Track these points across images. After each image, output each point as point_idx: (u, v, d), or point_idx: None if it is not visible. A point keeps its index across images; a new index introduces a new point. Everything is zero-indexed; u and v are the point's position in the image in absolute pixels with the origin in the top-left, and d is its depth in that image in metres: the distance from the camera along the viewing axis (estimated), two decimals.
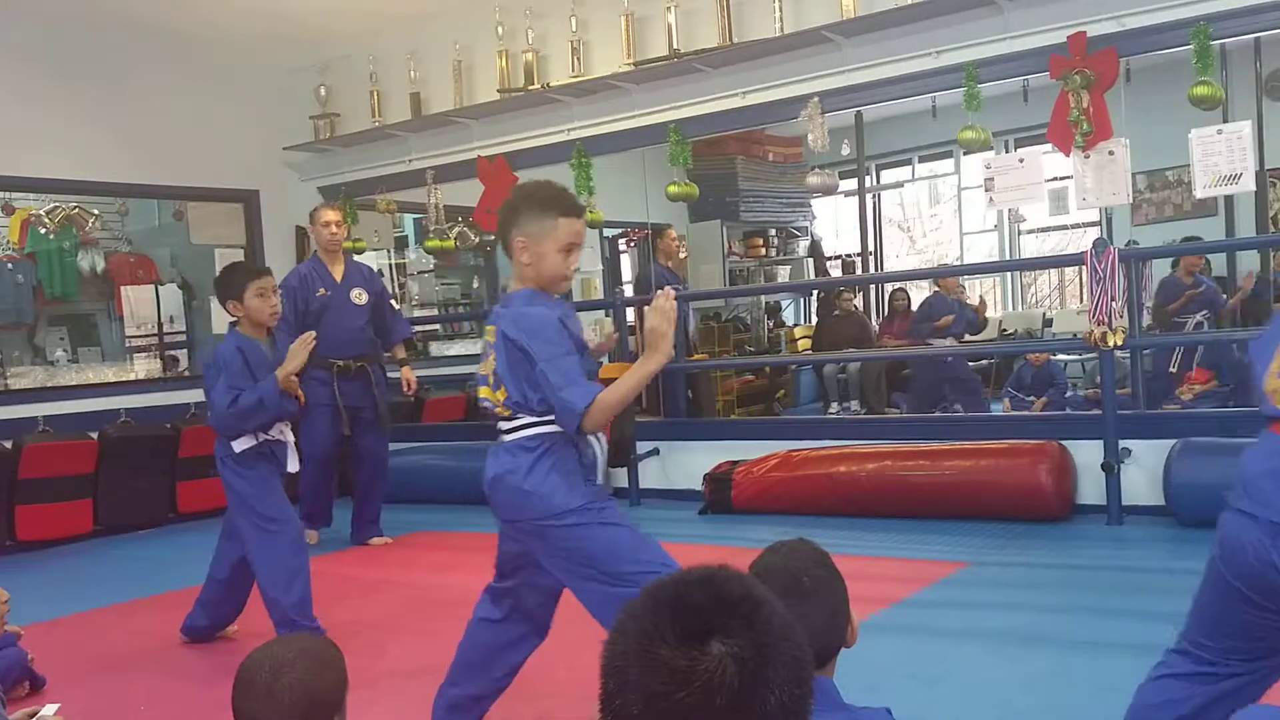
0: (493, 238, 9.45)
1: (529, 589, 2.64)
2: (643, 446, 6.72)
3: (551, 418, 2.45)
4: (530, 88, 6.98)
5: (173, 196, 7.73)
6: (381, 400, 6.13)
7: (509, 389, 2.48)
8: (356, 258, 6.95)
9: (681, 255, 11.31)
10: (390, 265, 9.54)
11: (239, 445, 3.95)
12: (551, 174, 7.17)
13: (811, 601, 1.64)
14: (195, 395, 7.39)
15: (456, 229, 7.99)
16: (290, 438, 4.07)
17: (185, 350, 7.91)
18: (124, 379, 7.49)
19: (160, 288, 7.82)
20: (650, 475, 6.77)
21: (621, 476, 6.80)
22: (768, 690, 0.97)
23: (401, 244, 9.74)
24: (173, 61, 7.46)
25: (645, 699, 0.97)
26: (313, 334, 4.03)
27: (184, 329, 7.92)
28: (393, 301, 6.71)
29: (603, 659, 1.03)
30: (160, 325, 7.83)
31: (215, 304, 7.61)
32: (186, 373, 7.79)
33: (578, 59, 6.79)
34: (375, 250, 8.72)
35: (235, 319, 4.05)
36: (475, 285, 10.43)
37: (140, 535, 6.78)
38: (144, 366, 7.68)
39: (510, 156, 7.07)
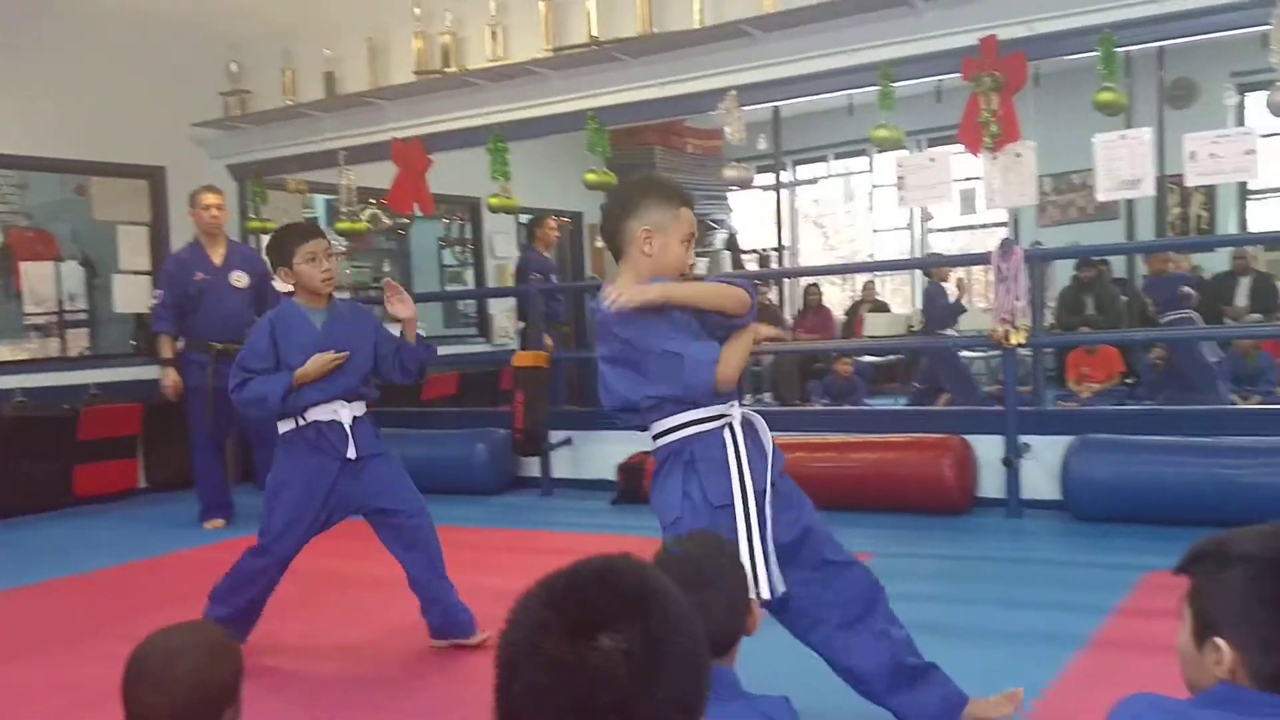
0: (406, 220, 9.37)
1: None
2: (556, 436, 6.70)
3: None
4: (447, 70, 6.89)
5: (75, 171, 7.48)
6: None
7: None
8: (265, 239, 6.82)
9: (598, 244, 11.32)
10: None
11: (282, 426, 3.56)
12: (468, 157, 7.17)
13: (711, 590, 1.65)
14: (96, 375, 7.20)
15: (369, 211, 7.88)
16: (347, 418, 3.54)
17: (86, 329, 7.68)
18: (20, 358, 7.24)
19: (61, 264, 7.57)
20: (563, 465, 6.76)
21: (533, 466, 6.78)
22: (658, 685, 0.97)
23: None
24: (78, 32, 7.21)
25: (534, 692, 0.97)
26: (342, 356, 3.50)
27: (85, 307, 7.68)
28: (275, 283, 6.61)
29: (496, 649, 1.03)
30: (60, 303, 7.59)
31: (117, 282, 7.47)
32: (87, 352, 7.56)
33: (496, 43, 6.72)
34: None
35: (290, 288, 3.68)
36: (387, 269, 10.29)
37: (33, 519, 6.56)
38: (42, 345, 7.43)
39: (425, 139, 6.99)
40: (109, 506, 6.91)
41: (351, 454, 3.50)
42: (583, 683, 0.95)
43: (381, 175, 7.20)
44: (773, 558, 2.42)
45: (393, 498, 3.59)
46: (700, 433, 2.45)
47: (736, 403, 2.50)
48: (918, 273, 12.55)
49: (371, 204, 7.97)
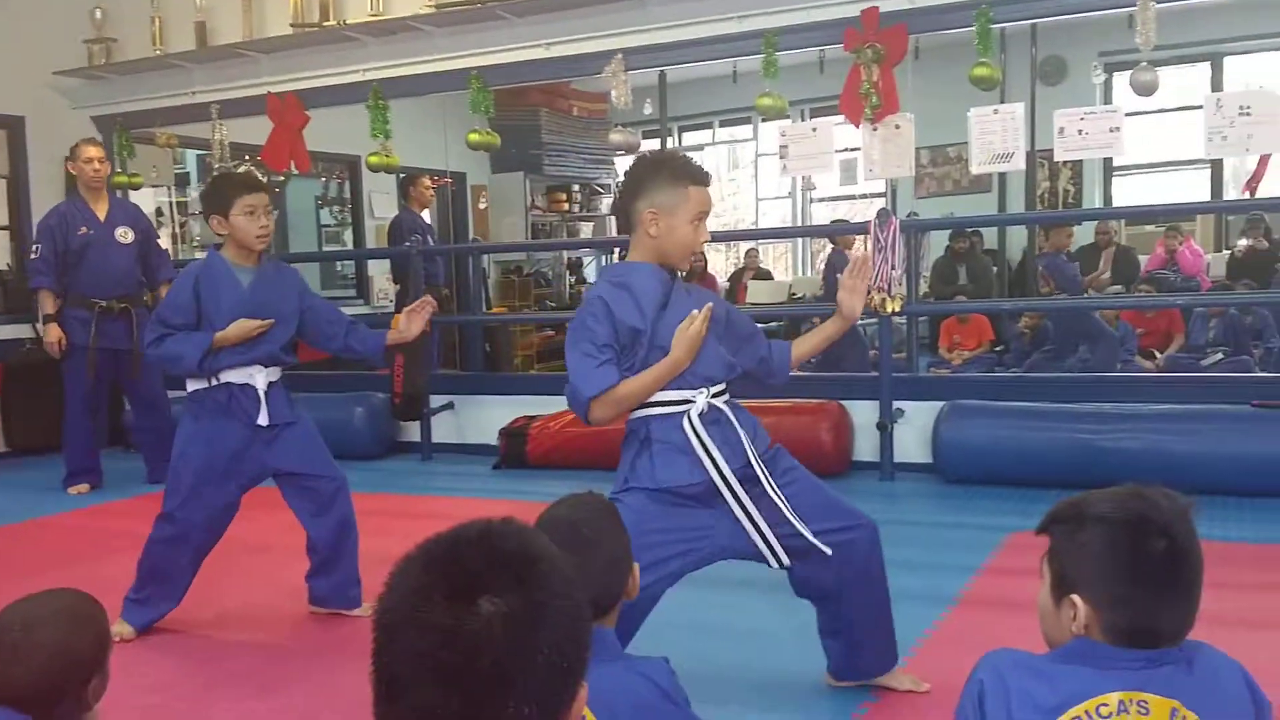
0: (282, 178, 9.10)
1: None
2: (437, 400, 6.63)
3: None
4: (325, 24, 6.69)
5: None
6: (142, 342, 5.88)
7: None
8: (133, 194, 6.59)
9: (481, 206, 11.20)
10: (170, 203, 9.02)
11: (190, 384, 3.40)
12: (347, 114, 6.98)
13: (590, 552, 1.65)
14: None
15: (243, 168, 7.62)
16: (262, 383, 3.40)
17: None
18: None
19: None
20: (444, 430, 6.70)
21: (413, 430, 6.70)
22: (538, 648, 0.97)
23: (183, 181, 9.20)
24: None
25: (412, 656, 0.96)
26: (268, 324, 3.38)
27: None
28: (160, 241, 6.41)
29: (374, 614, 1.02)
30: None
31: None
32: None
33: None
34: (154, 187, 8.24)
35: (220, 239, 3.49)
36: None
37: None
38: None
39: (303, 94, 6.78)
40: None
41: (264, 420, 3.39)
42: (462, 647, 0.95)
43: (256, 130, 6.96)
44: (768, 530, 2.45)
45: (309, 463, 3.50)
46: (659, 415, 2.46)
47: (706, 390, 2.48)
48: (799, 241, 12.75)
49: (245, 160, 7.71)
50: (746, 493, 2.45)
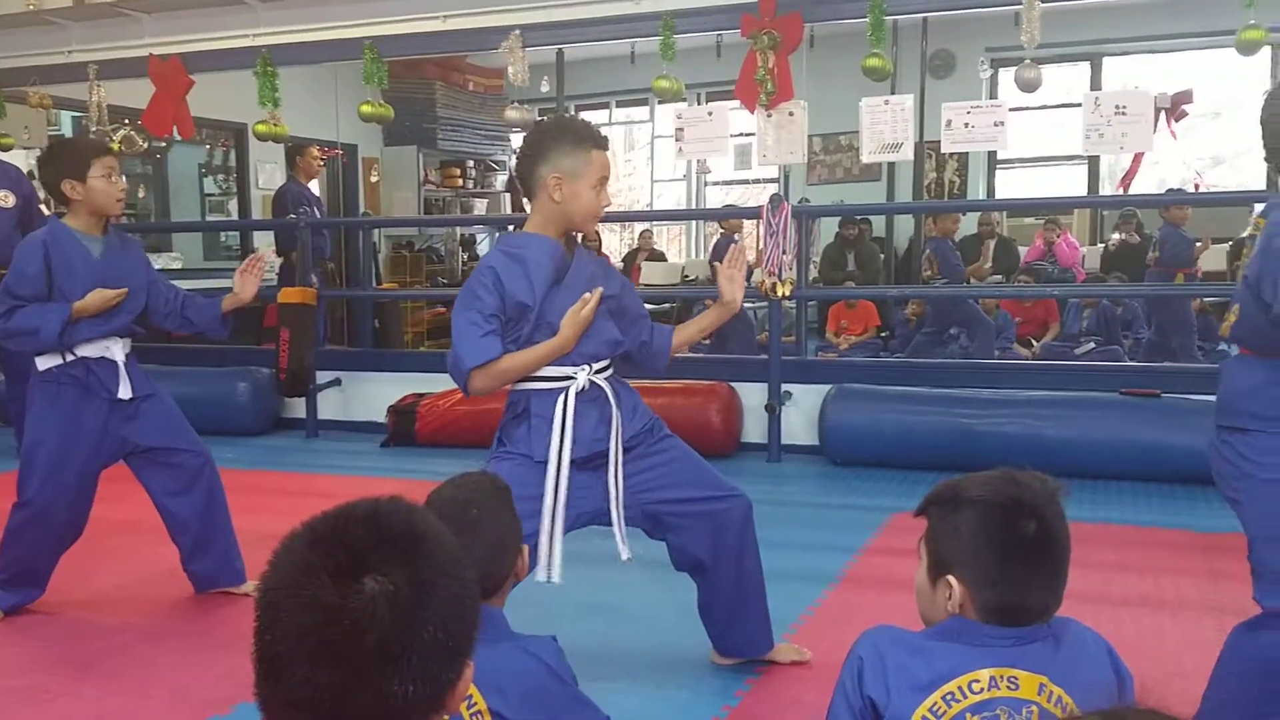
0: (164, 143, 8.80)
1: None
2: (323, 376, 6.50)
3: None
4: None
5: None
6: None
7: None
8: (3, 155, 6.29)
9: (373, 179, 11.00)
10: None
11: (43, 362, 3.25)
12: (235, 80, 6.78)
13: (476, 532, 1.65)
14: None
15: (122, 132, 7.35)
16: (120, 356, 3.28)
17: None
18: None
19: None
20: (330, 406, 6.58)
21: (299, 406, 6.56)
22: (424, 627, 0.97)
23: None
24: None
25: (295, 634, 0.95)
26: (124, 292, 3.25)
27: None
28: (43, 207, 6.14)
29: (256, 591, 1.00)
30: None
31: None
32: None
33: None
34: (25, 149, 7.86)
35: (62, 208, 3.31)
36: (142, 195, 9.64)
37: None
38: None
39: (187, 58, 6.54)
40: None
41: (125, 393, 3.27)
42: (346, 625, 0.94)
43: (138, 94, 6.70)
44: (559, 539, 2.44)
45: (172, 436, 3.38)
46: (539, 390, 2.46)
47: (588, 367, 2.48)
48: (693, 223, 12.82)
49: (125, 124, 7.43)
50: (612, 470, 2.49)
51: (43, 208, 6.11)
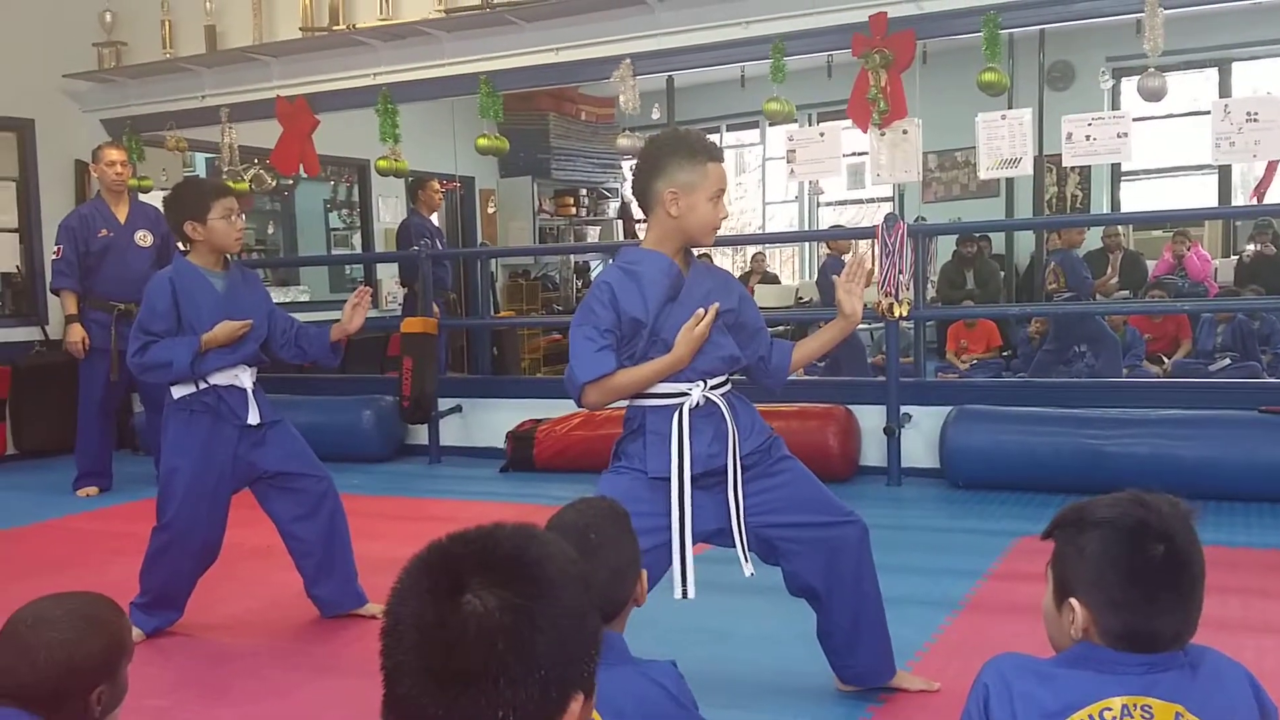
0: (291, 181, 9.13)
1: None
2: (445, 403, 6.64)
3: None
4: (335, 28, 6.72)
5: None
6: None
7: None
8: (142, 197, 6.62)
9: (490, 210, 11.21)
10: None
11: (177, 391, 3.38)
12: (356, 119, 7.01)
13: (597, 557, 1.66)
14: None
15: (252, 171, 7.65)
16: (248, 383, 3.44)
17: None
18: None
19: None
20: (452, 433, 6.71)
21: (421, 433, 6.71)
22: (529, 653, 0.97)
23: None
24: None
25: (404, 653, 0.99)
26: (249, 324, 3.41)
27: None
28: (180, 245, 6.44)
29: (383, 615, 1.04)
30: None
31: None
32: None
33: (386, 1, 6.57)
34: (163, 190, 8.21)
35: (186, 247, 3.49)
36: (271, 231, 10.03)
37: None
38: None
39: (312, 98, 6.81)
40: None
41: (254, 419, 3.41)
42: (447, 645, 0.96)
43: (266, 134, 6.99)
44: (690, 554, 2.44)
45: (297, 461, 3.51)
46: (654, 406, 2.47)
47: (703, 383, 2.48)
48: (806, 245, 12.74)
49: (255, 164, 7.74)
50: (731, 486, 2.47)
51: (180, 245, 6.42)
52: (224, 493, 3.44)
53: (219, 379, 3.39)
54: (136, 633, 3.35)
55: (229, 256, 3.54)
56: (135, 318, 5.85)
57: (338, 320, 3.56)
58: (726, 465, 2.47)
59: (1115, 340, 7.51)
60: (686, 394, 2.46)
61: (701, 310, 2.44)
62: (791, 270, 12.97)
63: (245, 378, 3.44)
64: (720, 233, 2.61)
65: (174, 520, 3.38)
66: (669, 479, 2.44)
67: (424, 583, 1.00)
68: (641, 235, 2.58)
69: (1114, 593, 1.46)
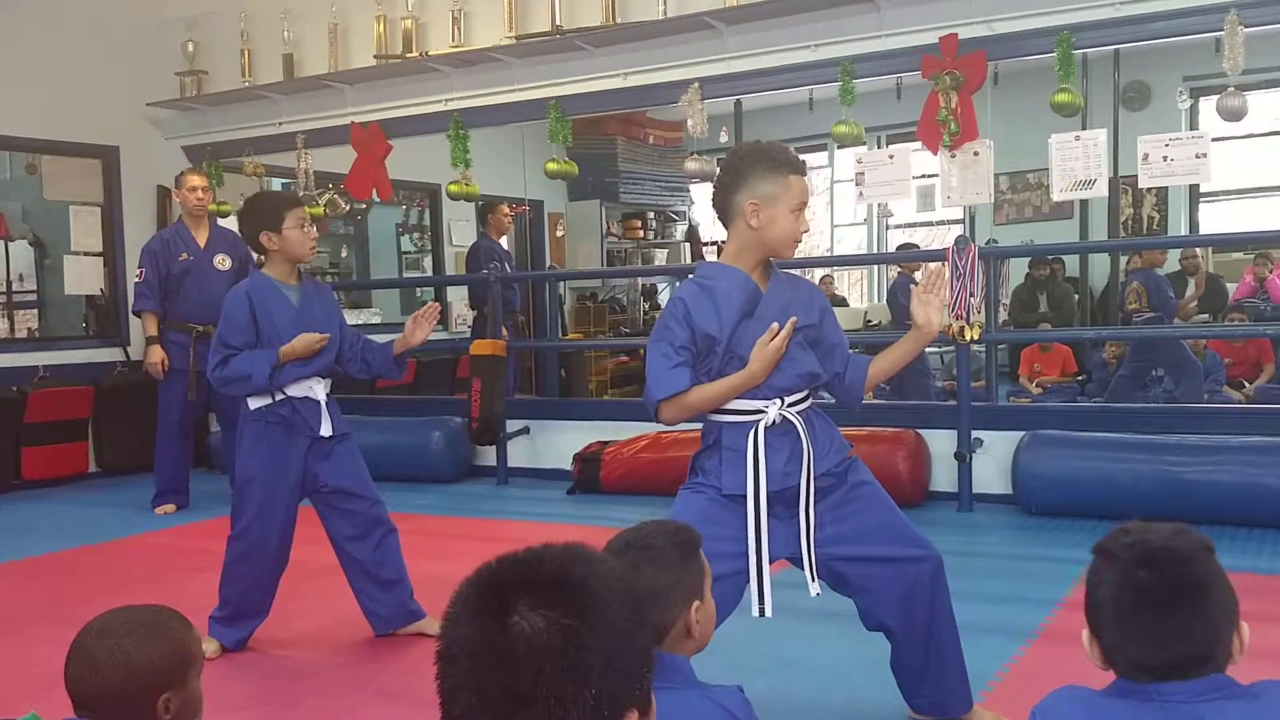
0: (364, 205, 9.29)
1: None
2: (512, 425, 6.69)
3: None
4: (408, 55, 6.84)
5: (26, 149, 7.37)
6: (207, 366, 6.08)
7: None
8: (221, 221, 6.78)
9: (559, 233, 11.29)
10: None
11: (253, 402, 3.45)
12: (428, 144, 7.12)
13: (639, 577, 1.64)
14: (44, 358, 7.10)
15: (327, 196, 7.81)
16: (322, 395, 3.50)
17: (35, 310, 7.56)
18: None
19: (9, 244, 7.45)
20: (519, 454, 6.75)
21: (489, 454, 6.76)
22: (566, 675, 0.98)
23: None
24: (31, 8, 7.07)
25: (456, 671, 1.00)
26: (325, 337, 3.49)
27: (34, 288, 7.57)
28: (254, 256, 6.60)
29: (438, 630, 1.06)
30: (9, 283, 7.46)
31: (69, 263, 7.35)
32: (36, 333, 7.44)
33: (458, 29, 6.69)
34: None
35: (261, 259, 3.58)
36: (344, 254, 10.21)
37: None
38: None
39: (385, 124, 6.93)
40: (57, 490, 6.82)
41: (327, 430, 3.48)
42: (497, 666, 0.97)
43: (340, 160, 7.14)
44: (768, 573, 2.42)
45: (355, 480, 3.57)
46: (731, 423, 2.46)
47: (780, 401, 2.46)
48: (875, 267, 12.64)
49: (329, 189, 7.90)
50: (804, 506, 2.44)
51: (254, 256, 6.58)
52: (294, 502, 3.52)
53: (294, 390, 3.46)
54: (214, 646, 3.42)
55: (302, 269, 3.62)
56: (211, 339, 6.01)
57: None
58: (800, 485, 2.45)
59: (1198, 366, 7.32)
60: (763, 411, 2.44)
61: (776, 325, 2.41)
62: (860, 293, 12.88)
63: (320, 389, 3.50)
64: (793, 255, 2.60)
65: (249, 529, 3.46)
66: (744, 496, 2.42)
67: (472, 605, 1.01)
68: (709, 258, 2.58)
69: (1107, 620, 1.47)
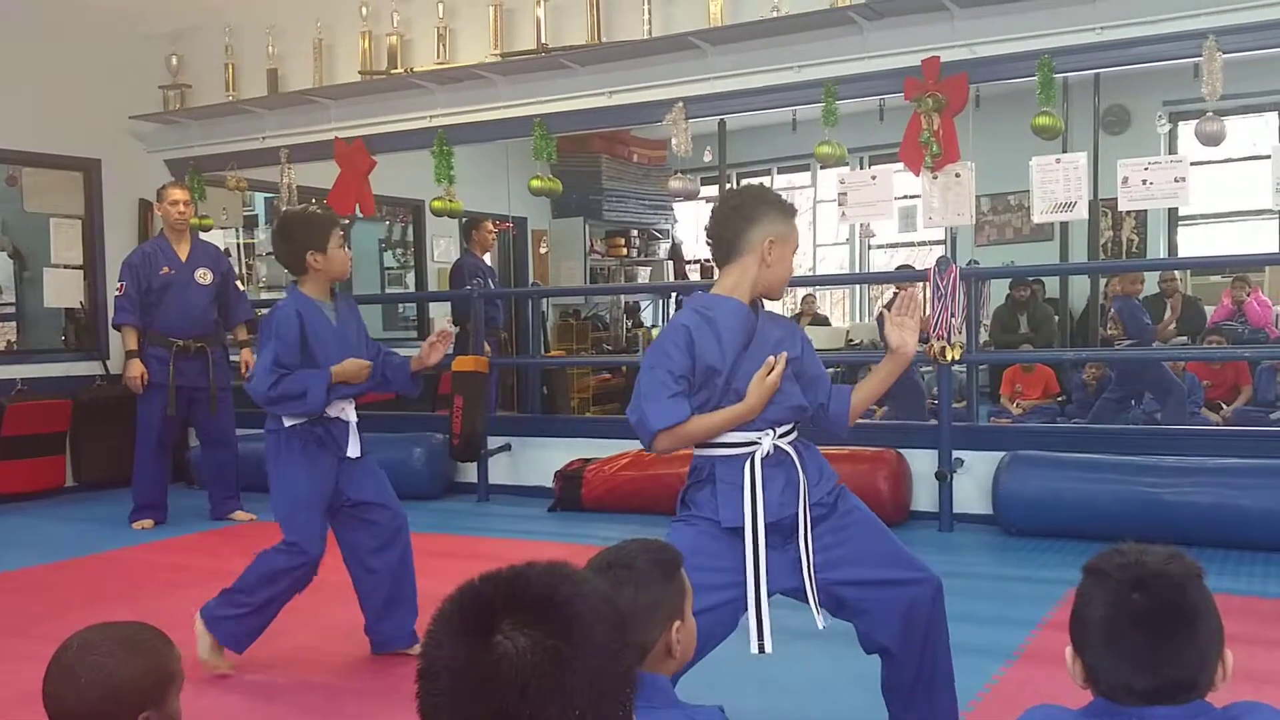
0: (347, 221, 9.26)
1: None
2: (494, 442, 6.67)
3: None
4: (393, 71, 6.85)
5: (7, 161, 7.31)
6: (218, 381, 6.03)
7: None
8: (203, 235, 6.76)
9: (542, 250, 11.31)
10: (238, 245, 9.25)
11: (289, 420, 3.43)
12: (412, 160, 7.12)
13: (619, 595, 1.63)
14: (22, 371, 7.04)
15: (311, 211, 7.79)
16: (353, 417, 3.52)
17: (13, 323, 7.50)
18: None
19: None
20: (501, 471, 6.73)
21: (470, 471, 6.74)
22: (560, 693, 0.98)
23: (251, 223, 9.44)
24: (12, 19, 7.05)
25: (439, 692, 1.00)
26: (371, 365, 3.55)
27: (13, 301, 7.51)
28: (238, 283, 6.58)
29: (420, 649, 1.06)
30: None
31: (49, 276, 7.31)
32: (14, 346, 7.39)
33: (443, 46, 6.70)
34: (223, 229, 8.44)
35: (296, 277, 3.52)
36: None
37: None
38: None
39: (369, 140, 6.93)
40: (34, 504, 6.76)
41: (355, 452, 3.49)
42: (480, 685, 0.97)
43: (323, 175, 7.12)
44: (765, 604, 2.40)
45: (379, 492, 3.57)
46: (724, 456, 2.45)
47: (772, 432, 2.46)
48: (857, 287, 12.69)
49: (312, 203, 7.88)
50: (803, 536, 2.43)
51: (238, 284, 6.55)
52: (326, 522, 3.51)
53: (330, 410, 3.46)
54: (227, 663, 3.39)
55: (334, 286, 3.61)
56: (192, 354, 5.95)
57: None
58: (797, 514, 2.44)
59: (1182, 388, 7.39)
60: (757, 443, 2.44)
61: (773, 358, 2.43)
62: (842, 312, 12.92)
63: (350, 410, 3.52)
64: None
65: (308, 546, 3.40)
66: (741, 529, 2.41)
67: (456, 624, 1.01)
68: (691, 276, 2.59)
69: (1095, 642, 1.46)
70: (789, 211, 2.54)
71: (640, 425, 2.42)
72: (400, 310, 10.56)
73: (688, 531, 2.44)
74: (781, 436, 2.49)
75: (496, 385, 7.61)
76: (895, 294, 8.78)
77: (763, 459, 2.43)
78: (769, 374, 2.41)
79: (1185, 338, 8.48)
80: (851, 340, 10.76)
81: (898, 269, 9.86)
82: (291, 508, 3.45)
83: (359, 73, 6.95)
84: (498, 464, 6.72)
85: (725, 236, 2.51)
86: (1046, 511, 5.05)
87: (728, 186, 10.44)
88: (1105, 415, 7.33)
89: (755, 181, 2.76)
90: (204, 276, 6.09)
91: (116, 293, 6.08)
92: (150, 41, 7.60)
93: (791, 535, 2.45)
